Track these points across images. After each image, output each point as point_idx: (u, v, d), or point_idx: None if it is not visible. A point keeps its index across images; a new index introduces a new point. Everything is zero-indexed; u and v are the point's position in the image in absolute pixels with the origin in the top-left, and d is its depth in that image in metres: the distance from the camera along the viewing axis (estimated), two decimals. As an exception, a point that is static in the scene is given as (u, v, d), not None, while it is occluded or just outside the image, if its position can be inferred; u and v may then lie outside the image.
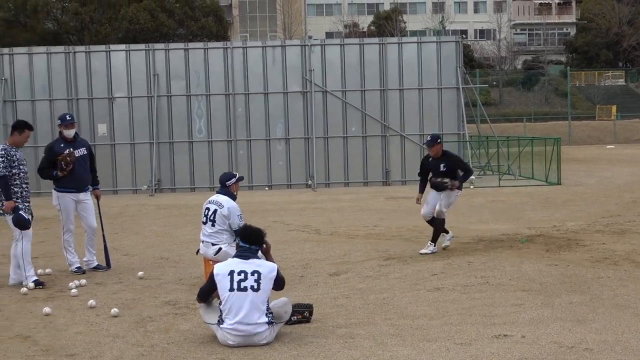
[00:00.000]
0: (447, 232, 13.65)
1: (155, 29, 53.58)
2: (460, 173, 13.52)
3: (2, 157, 11.08)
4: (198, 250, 11.20)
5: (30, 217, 11.41)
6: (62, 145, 12.22)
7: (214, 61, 28.19)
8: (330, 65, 28.29)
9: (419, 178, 13.91)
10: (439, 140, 13.61)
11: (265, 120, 28.20)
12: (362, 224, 17.29)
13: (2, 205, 11.19)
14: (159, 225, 18.28)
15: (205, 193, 11.32)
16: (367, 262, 12.56)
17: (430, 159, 13.60)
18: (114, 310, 9.41)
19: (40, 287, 11.02)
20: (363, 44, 28.90)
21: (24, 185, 11.31)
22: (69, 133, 12.33)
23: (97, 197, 12.86)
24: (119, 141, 27.97)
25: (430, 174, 13.62)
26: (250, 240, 8.32)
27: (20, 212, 11.11)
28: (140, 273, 11.82)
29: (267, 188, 27.89)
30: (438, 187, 13.34)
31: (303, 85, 28.24)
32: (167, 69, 28.10)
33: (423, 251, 13.19)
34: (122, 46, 29.75)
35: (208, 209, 10.94)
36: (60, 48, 29.29)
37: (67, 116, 12.55)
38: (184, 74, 28.12)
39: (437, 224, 13.38)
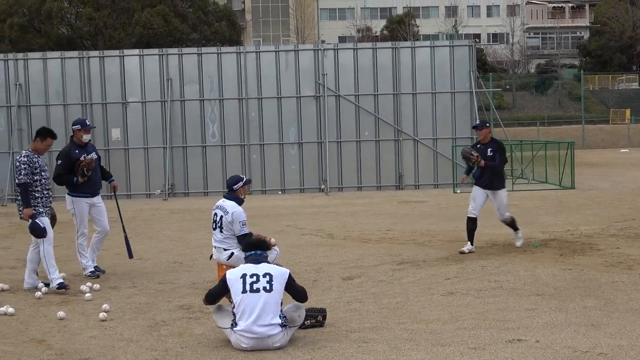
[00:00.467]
0: (472, 243, 13.73)
1: (168, 33, 53.70)
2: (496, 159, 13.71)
3: (24, 164, 11.13)
4: (211, 256, 11.21)
5: (50, 219, 11.46)
6: (77, 151, 12.26)
7: (227, 66, 28.24)
8: (343, 70, 28.29)
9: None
10: (487, 125, 14.05)
11: (278, 124, 28.22)
12: (375, 228, 17.29)
13: (21, 210, 11.25)
14: (172, 230, 18.32)
15: (219, 197, 11.37)
16: (381, 266, 12.56)
17: (479, 145, 13.91)
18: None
19: (64, 290, 11.04)
20: (376, 48, 28.89)
21: (45, 192, 11.36)
22: (87, 138, 12.44)
23: (115, 188, 12.91)
24: (133, 146, 28.05)
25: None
26: (254, 247, 8.40)
27: (37, 220, 11.14)
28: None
29: (280, 192, 27.92)
30: (464, 158, 13.84)
31: (316, 89, 28.25)
32: (181, 74, 28.16)
33: (518, 244, 13.81)
34: (136, 51, 29.86)
35: (216, 214, 10.94)
36: (74, 53, 29.44)
37: (87, 121, 12.68)
38: (197, 79, 28.18)
39: (510, 223, 13.92)
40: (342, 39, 79.09)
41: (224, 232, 10.79)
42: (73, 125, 12.54)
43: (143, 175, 28.05)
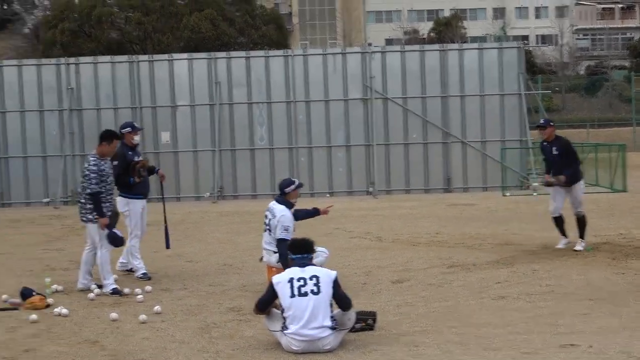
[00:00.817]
0: (566, 236, 14.09)
1: (216, 37, 53.96)
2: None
3: (94, 174, 11.19)
4: (261, 258, 11.27)
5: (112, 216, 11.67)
6: (130, 152, 12.50)
7: (275, 69, 28.32)
8: (390, 72, 28.20)
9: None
10: (551, 123, 14.24)
11: (326, 127, 28.23)
12: (424, 231, 17.21)
13: (86, 213, 11.35)
14: (221, 232, 18.42)
15: (267, 200, 11.54)
16: (430, 269, 12.51)
17: (545, 143, 14.22)
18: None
19: (118, 295, 11.14)
20: (423, 51, 28.76)
21: (108, 197, 11.54)
22: (137, 139, 12.72)
23: (163, 178, 13.11)
24: (182, 149, 28.25)
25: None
26: (301, 251, 8.36)
27: (115, 230, 11.35)
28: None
29: (327, 195, 27.91)
30: (549, 185, 14.09)
31: (363, 92, 28.21)
32: (229, 77, 28.31)
33: (577, 248, 13.72)
34: (185, 55, 30.08)
35: (266, 216, 11.01)
36: (124, 57, 29.72)
37: (135, 123, 13.02)
38: (246, 82, 28.31)
39: (581, 222, 13.95)
40: (389, 42, 78.87)
41: (272, 234, 10.84)
42: (123, 128, 12.72)
43: (192, 178, 28.23)
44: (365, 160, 28.14)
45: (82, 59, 29.57)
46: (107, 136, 11.61)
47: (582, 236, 13.92)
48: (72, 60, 29.10)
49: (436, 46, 30.51)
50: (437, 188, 28.01)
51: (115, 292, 11.17)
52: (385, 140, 28.11)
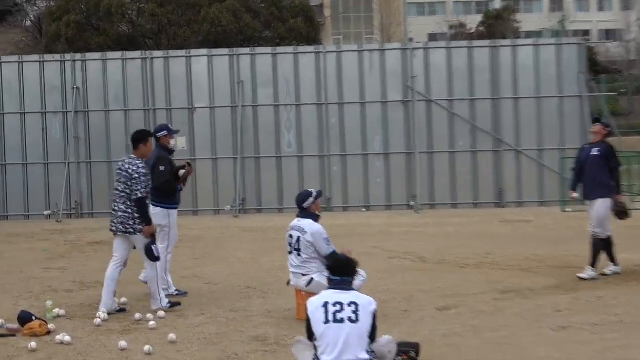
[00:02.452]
0: (614, 262, 13.87)
1: (239, 31, 54.15)
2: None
3: (144, 176, 11.46)
4: (289, 282, 11.22)
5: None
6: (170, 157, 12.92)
7: (305, 67, 28.33)
8: (434, 71, 28.13)
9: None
10: (605, 125, 14.28)
11: (362, 132, 28.18)
12: (473, 252, 17.10)
13: (134, 224, 11.47)
14: (244, 251, 18.40)
15: (295, 214, 11.48)
16: (481, 295, 12.41)
17: (586, 145, 14.22)
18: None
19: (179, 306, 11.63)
20: (472, 47, 28.67)
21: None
22: (174, 143, 13.14)
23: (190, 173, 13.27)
24: (200, 156, 28.27)
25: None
26: (341, 273, 8.19)
27: (154, 247, 11.63)
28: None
29: (363, 209, 27.85)
30: (620, 215, 14.02)
31: (404, 93, 28.15)
32: (253, 76, 28.35)
33: (581, 275, 13.46)
34: (204, 51, 30.18)
35: (291, 236, 10.97)
36: (137, 53, 29.87)
37: (170, 126, 13.32)
38: (272, 82, 28.33)
39: (599, 243, 13.65)
40: (432, 37, 78.90)
41: (302, 255, 10.79)
42: (158, 131, 12.98)
43: (211, 189, 28.25)
44: (406, 170, 28.05)
45: (90, 55, 29.77)
46: (142, 137, 11.81)
47: (611, 258, 13.77)
48: (78, 56, 29.29)
49: (486, 42, 30.45)
50: (487, 202, 27.87)
51: (173, 305, 11.64)
52: (428, 148, 28.02)
